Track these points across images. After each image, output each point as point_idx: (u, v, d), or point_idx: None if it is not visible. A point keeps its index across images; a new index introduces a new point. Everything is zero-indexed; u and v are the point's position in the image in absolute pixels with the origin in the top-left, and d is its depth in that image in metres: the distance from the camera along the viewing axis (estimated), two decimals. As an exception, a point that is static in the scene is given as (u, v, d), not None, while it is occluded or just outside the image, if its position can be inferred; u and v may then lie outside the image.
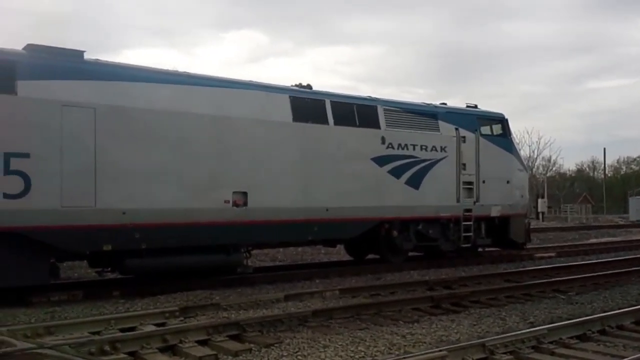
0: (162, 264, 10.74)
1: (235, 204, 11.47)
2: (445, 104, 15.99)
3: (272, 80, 14.13)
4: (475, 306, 9.63)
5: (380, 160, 13.76)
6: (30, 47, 9.81)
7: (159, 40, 69.25)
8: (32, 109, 9.38)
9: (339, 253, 17.06)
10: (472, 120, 15.78)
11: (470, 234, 15.33)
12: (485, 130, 16.18)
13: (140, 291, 10.56)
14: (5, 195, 9.06)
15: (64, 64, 9.84)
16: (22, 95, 9.31)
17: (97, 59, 10.49)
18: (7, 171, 9.10)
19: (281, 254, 17.42)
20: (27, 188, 9.24)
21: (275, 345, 6.81)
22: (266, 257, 16.64)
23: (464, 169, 15.33)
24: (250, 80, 12.32)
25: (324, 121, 12.86)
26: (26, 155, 9.27)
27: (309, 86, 13.22)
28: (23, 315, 8.55)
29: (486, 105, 17.11)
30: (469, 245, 15.49)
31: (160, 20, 63.18)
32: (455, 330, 7.67)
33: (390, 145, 13.86)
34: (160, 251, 10.59)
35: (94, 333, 7.44)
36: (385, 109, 13.99)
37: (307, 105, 12.72)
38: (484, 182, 15.67)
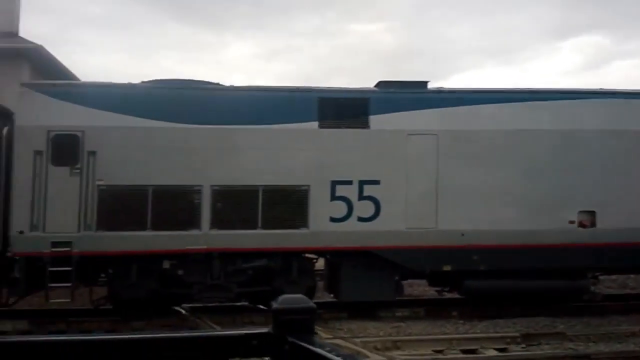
0: (501, 287, 10.51)
1: (581, 225, 10.48)
2: None
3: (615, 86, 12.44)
4: None
5: None
6: (381, 84, 10.87)
7: (491, 60, 69.21)
8: (382, 140, 10.32)
9: None
10: None
11: None
12: None
13: (478, 313, 10.52)
14: (360, 219, 10.17)
15: (409, 96, 10.58)
16: (374, 129, 10.34)
17: (440, 87, 10.97)
18: (361, 197, 10.21)
19: (632, 280, 15.07)
20: (377, 212, 10.20)
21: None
22: (613, 284, 14.64)
23: None
24: (600, 89, 11.16)
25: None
26: (377, 182, 10.25)
27: None
28: (372, 328, 9.41)
29: None
30: None
31: (492, 41, 63.30)
32: None
33: None
34: (498, 273, 10.37)
35: (437, 351, 7.67)
36: None
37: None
38: None
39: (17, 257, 9.38)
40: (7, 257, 9.48)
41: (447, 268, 10.32)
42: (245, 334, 1.74)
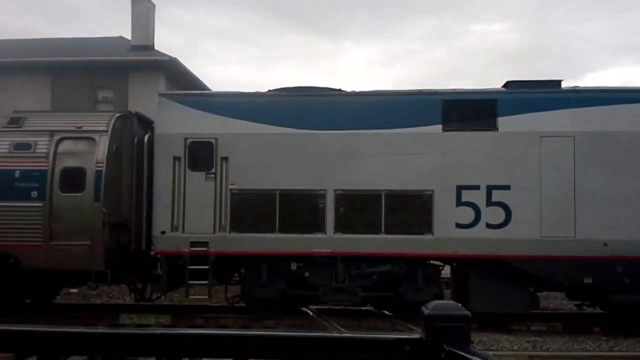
0: (649, 303, 9.57)
1: None
2: None
3: None
4: None
5: None
6: (510, 84, 10.38)
7: (625, 58, 63.77)
8: (512, 143, 9.85)
9: None
10: None
11: None
12: None
13: (623, 330, 9.69)
14: (488, 225, 9.77)
15: (542, 96, 10.00)
16: (502, 131, 9.90)
17: (575, 87, 10.26)
18: (489, 202, 9.80)
19: None
20: (507, 218, 9.74)
21: None
22: None
23: None
24: None
25: None
26: (507, 187, 9.78)
27: None
28: (505, 341, 8.96)
29: None
30: None
31: (624, 38, 58.27)
32: None
33: None
34: None
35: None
36: None
37: None
38: None
39: (160, 256, 10.13)
40: (150, 255, 10.27)
41: (587, 280, 9.60)
42: (397, 338, 1.71)
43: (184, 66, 21.93)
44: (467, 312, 1.67)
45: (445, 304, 1.71)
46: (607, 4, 60.75)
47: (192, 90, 18.46)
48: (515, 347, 8.55)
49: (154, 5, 22.90)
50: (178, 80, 22.01)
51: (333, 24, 65.48)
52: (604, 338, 9.31)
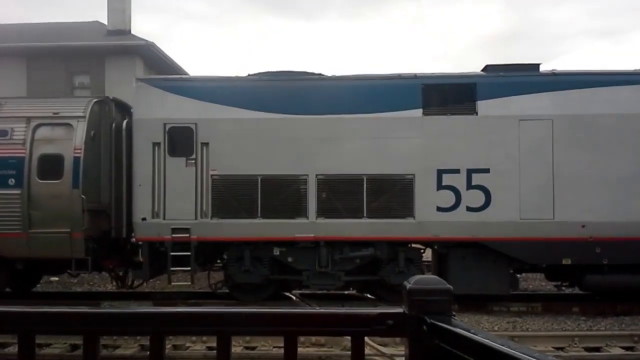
0: (625, 282, 9.85)
1: None
2: None
3: None
4: None
5: None
6: (489, 68, 10.49)
7: (600, 41, 64.75)
8: (491, 126, 9.98)
9: None
10: None
11: None
12: None
13: (601, 310, 9.97)
14: (469, 208, 9.92)
15: (520, 79, 10.13)
16: (482, 115, 10.02)
17: (553, 70, 10.41)
18: (470, 186, 9.95)
19: None
20: (487, 202, 9.90)
21: None
22: None
23: None
24: None
25: None
26: (487, 171, 9.94)
27: None
28: (486, 322, 9.18)
29: None
30: None
31: (600, 22, 59.05)
32: None
33: None
34: (623, 268, 9.74)
35: (557, 348, 7.39)
36: None
37: None
38: None
39: (141, 243, 10.12)
40: (131, 242, 10.25)
41: (566, 262, 9.81)
42: (380, 313, 1.74)
43: (162, 51, 21.69)
44: (449, 286, 1.70)
45: (426, 279, 1.75)
46: None
47: (170, 74, 18.31)
48: (496, 328, 8.76)
49: (130, -10, 22.56)
50: (155, 65, 21.79)
51: (310, 7, 65.12)
52: (582, 318, 9.58)
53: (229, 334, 1.78)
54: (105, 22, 22.18)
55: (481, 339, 1.46)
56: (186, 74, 22.03)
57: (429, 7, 65.27)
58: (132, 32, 22.19)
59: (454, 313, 1.65)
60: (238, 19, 64.82)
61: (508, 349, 1.32)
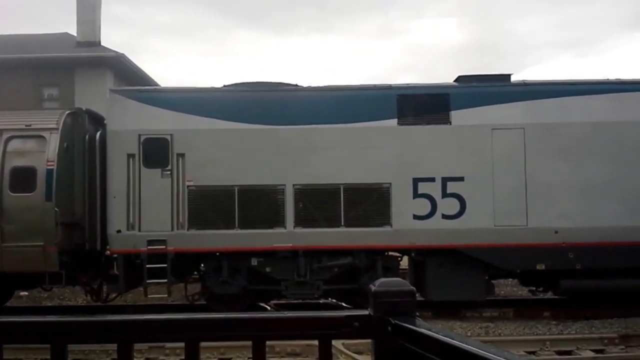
0: (599, 286, 10.24)
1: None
2: None
3: None
4: None
5: None
6: (462, 78, 10.88)
7: (566, 52, 67.12)
8: (465, 135, 10.34)
9: None
10: None
11: None
12: None
13: (572, 314, 10.35)
14: (444, 216, 10.23)
15: (492, 90, 10.53)
16: (455, 124, 10.37)
17: (524, 80, 10.84)
18: (445, 194, 10.26)
19: None
20: (462, 209, 10.22)
21: None
22: None
23: None
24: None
25: None
26: (461, 179, 10.27)
27: None
28: (459, 328, 9.46)
29: None
30: None
31: (566, 33, 61.32)
32: None
33: None
34: (596, 272, 10.12)
35: (529, 352, 7.66)
36: None
37: None
38: None
39: (116, 255, 10.15)
40: (106, 255, 10.28)
41: (540, 267, 10.16)
42: (347, 315, 1.79)
43: (132, 62, 21.74)
44: (412, 288, 1.79)
45: (391, 281, 1.82)
46: (547, 1, 63.56)
47: (141, 86, 18.36)
48: (469, 333, 9.03)
49: (100, 1, 22.60)
50: (126, 76, 21.79)
51: (279, 21, 65.92)
52: (553, 322, 9.92)
53: (197, 340, 1.81)
54: (75, 34, 22.16)
55: (442, 337, 1.53)
56: (157, 85, 22.07)
57: (397, 20, 66.74)
58: (102, 43, 22.22)
59: (417, 314, 1.74)
60: (207, 32, 65.20)
61: (467, 346, 1.42)
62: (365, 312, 1.78)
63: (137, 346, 1.90)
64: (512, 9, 65.55)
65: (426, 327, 1.64)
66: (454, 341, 1.48)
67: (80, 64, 20.64)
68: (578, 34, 63.84)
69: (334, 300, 11.13)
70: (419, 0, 67.57)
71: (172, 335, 1.95)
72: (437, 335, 1.56)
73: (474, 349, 1.39)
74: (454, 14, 65.98)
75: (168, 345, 7.40)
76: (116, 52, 20.90)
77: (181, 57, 64.36)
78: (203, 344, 1.88)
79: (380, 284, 1.78)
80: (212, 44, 66.62)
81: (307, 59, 69.38)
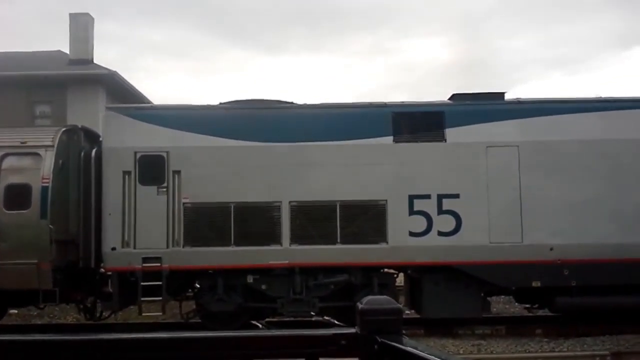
0: (594, 304, 10.38)
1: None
2: None
3: None
4: None
5: None
6: (456, 96, 11.11)
7: (555, 71, 68.33)
8: (460, 153, 10.52)
9: None
10: None
11: None
12: None
13: (564, 331, 10.46)
14: (440, 233, 10.37)
15: (486, 107, 10.75)
16: (450, 142, 10.56)
17: (518, 98, 11.08)
18: (440, 211, 10.41)
19: None
20: (458, 226, 10.36)
21: None
22: None
23: None
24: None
25: None
26: (456, 196, 10.43)
27: None
28: (451, 345, 9.53)
29: None
30: None
31: (553, 52, 62.53)
32: None
33: None
34: (591, 289, 10.26)
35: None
36: None
37: None
38: None
39: (110, 273, 10.19)
40: (100, 272, 10.32)
41: (536, 284, 10.29)
42: (334, 334, 1.82)
43: (125, 80, 21.93)
44: (398, 305, 1.84)
45: (377, 299, 1.86)
46: (534, 20, 64.78)
47: (133, 103, 18.50)
48: (461, 351, 9.10)
49: (93, 19, 22.90)
50: (119, 94, 21.95)
51: (271, 40, 66.74)
52: (545, 339, 10.00)
53: (183, 359, 1.85)
54: (68, 51, 22.35)
55: (428, 355, 1.55)
56: (150, 102, 22.24)
57: (387, 39, 67.79)
58: (95, 61, 22.41)
59: (404, 331, 1.77)
60: (198, 51, 65.85)
61: None
62: (352, 330, 1.81)
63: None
64: (500, 29, 66.75)
65: (412, 345, 1.66)
66: (439, 359, 1.50)
67: (73, 82, 20.80)
68: (565, 52, 65.00)
69: (327, 318, 11.18)
70: (409, 20, 68.61)
71: (160, 354, 1.93)
72: (422, 353, 1.57)
73: None
74: (443, 33, 67.07)
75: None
76: (109, 69, 21.10)
77: (172, 75, 64.83)
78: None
79: (366, 301, 1.82)
80: (203, 62, 67.14)
81: (299, 77, 70.07)
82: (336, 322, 11.00)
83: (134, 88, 22.95)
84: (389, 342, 1.70)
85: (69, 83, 20.78)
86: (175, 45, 63.73)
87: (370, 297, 1.85)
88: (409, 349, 1.63)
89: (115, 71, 21.18)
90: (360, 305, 1.81)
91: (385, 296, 1.90)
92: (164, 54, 65.97)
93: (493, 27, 66.11)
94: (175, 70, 66.03)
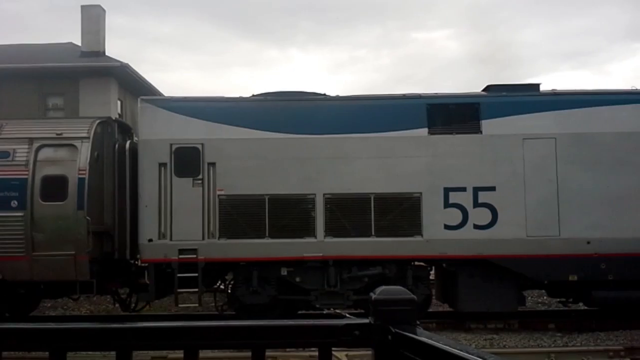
0: (631, 297, 10.84)
1: None
2: None
3: None
4: None
5: None
6: (491, 88, 11.67)
7: (564, 63, 68.95)
8: (496, 145, 11.07)
9: None
10: None
11: None
12: None
13: (578, 326, 10.96)
14: (476, 226, 10.92)
15: (522, 99, 11.30)
16: (486, 134, 11.12)
17: (554, 89, 11.63)
18: (476, 204, 10.96)
19: None
20: (494, 219, 10.92)
21: None
22: None
23: None
24: None
25: None
26: (492, 189, 10.98)
27: None
28: (463, 339, 9.96)
29: None
30: None
31: (563, 44, 63.00)
32: None
33: None
34: (629, 283, 10.76)
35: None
36: None
37: None
38: None
39: (147, 264, 10.81)
40: (136, 263, 10.94)
41: (572, 278, 10.79)
42: (347, 324, 1.85)
43: (136, 72, 22.53)
44: (413, 296, 1.88)
45: (391, 289, 1.88)
46: (544, 13, 65.28)
47: (145, 95, 19.06)
48: (473, 345, 9.51)
49: (104, 11, 23.54)
50: (130, 86, 22.62)
51: (278, 32, 67.48)
52: (558, 334, 10.46)
53: (196, 347, 1.90)
54: (80, 44, 23.01)
55: (442, 346, 1.59)
56: (161, 94, 22.85)
57: (395, 30, 68.55)
58: (107, 53, 23.05)
59: (418, 322, 1.81)
60: (206, 43, 66.74)
61: (468, 355, 1.48)
62: (366, 321, 1.85)
63: (139, 355, 2.05)
64: (510, 21, 67.19)
65: (426, 336, 1.71)
66: (455, 350, 1.53)
67: (84, 74, 21.44)
68: (576, 45, 65.53)
69: (338, 311, 11.74)
70: (418, 12, 69.18)
71: (170, 342, 2.00)
72: (437, 344, 1.62)
73: (475, 357, 1.45)
74: (452, 25, 67.63)
75: (171, 355, 7.59)
76: (121, 62, 21.71)
77: (181, 67, 65.69)
78: (204, 354, 2.10)
79: (380, 292, 1.85)
80: (210, 55, 67.97)
81: (307, 69, 70.70)
82: (347, 314, 11.54)
83: (145, 80, 23.56)
84: (403, 332, 1.75)
85: (81, 75, 21.42)
86: (183, 37, 64.62)
87: (384, 287, 1.88)
88: (423, 339, 1.69)
89: (127, 63, 21.78)
90: (373, 296, 1.85)
91: (398, 286, 1.95)
92: (173, 46, 66.94)
93: (503, 19, 66.67)
94: (185, 62, 66.92)
